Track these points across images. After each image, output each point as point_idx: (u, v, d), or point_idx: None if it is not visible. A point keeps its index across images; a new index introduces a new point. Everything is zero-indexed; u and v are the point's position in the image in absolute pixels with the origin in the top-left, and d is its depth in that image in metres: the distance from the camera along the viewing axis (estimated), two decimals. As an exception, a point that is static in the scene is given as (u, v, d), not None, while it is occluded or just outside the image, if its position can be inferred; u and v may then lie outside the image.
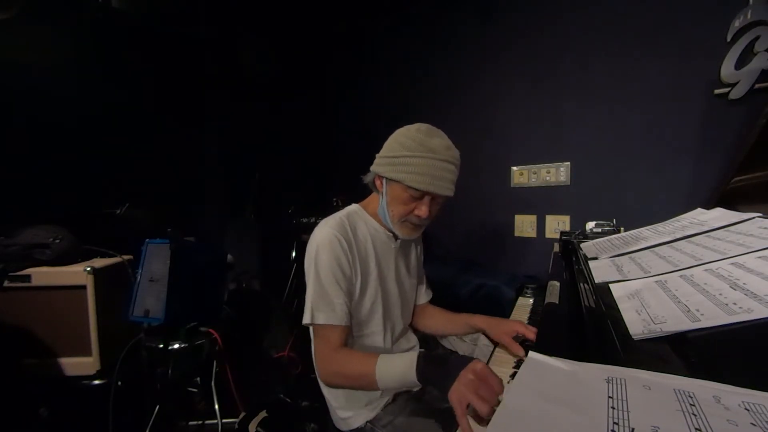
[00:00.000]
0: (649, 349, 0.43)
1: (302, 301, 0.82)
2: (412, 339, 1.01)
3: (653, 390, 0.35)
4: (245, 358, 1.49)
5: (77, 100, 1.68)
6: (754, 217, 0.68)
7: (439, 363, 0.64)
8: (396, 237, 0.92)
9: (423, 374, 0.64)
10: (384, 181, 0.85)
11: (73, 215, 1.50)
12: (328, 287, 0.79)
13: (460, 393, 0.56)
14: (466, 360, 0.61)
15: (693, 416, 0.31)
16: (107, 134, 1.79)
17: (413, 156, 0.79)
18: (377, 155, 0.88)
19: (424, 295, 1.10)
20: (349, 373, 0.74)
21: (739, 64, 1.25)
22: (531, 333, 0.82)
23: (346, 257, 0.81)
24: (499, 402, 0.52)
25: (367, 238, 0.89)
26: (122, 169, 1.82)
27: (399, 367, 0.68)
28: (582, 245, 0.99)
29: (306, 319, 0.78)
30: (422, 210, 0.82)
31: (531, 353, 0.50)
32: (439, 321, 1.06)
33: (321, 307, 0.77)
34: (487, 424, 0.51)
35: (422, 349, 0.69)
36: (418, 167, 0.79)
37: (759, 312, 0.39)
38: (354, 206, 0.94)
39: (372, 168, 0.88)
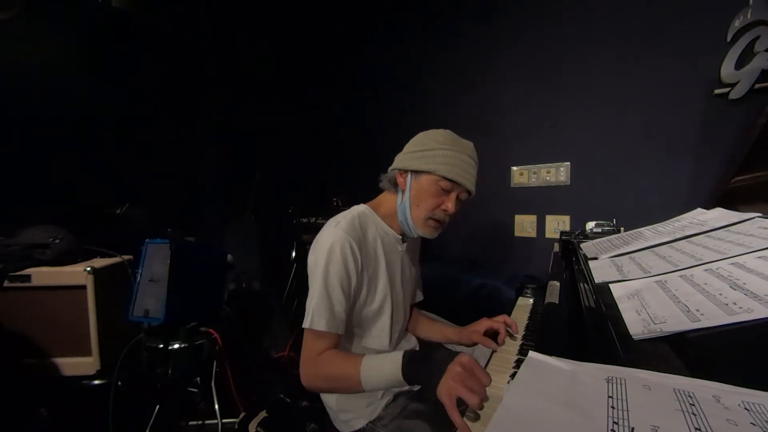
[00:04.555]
0: (649, 349, 0.43)
1: (303, 301, 0.81)
2: (412, 340, 1.01)
3: (653, 390, 0.35)
4: (245, 358, 1.49)
5: (77, 100, 1.67)
6: (754, 217, 0.68)
7: (424, 361, 0.65)
8: (404, 239, 0.92)
9: (409, 374, 0.65)
10: (409, 175, 0.85)
11: (73, 215, 1.50)
12: (333, 293, 0.77)
13: (448, 387, 0.57)
14: (453, 354, 0.62)
15: (693, 416, 0.31)
16: (107, 134, 1.79)
17: (444, 148, 0.81)
18: (399, 154, 0.89)
19: (416, 297, 1.09)
20: (333, 374, 0.73)
21: (739, 64, 1.25)
22: (497, 324, 0.84)
23: (355, 263, 0.79)
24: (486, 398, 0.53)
25: (377, 240, 0.87)
26: (122, 169, 1.82)
27: (385, 367, 0.67)
28: (582, 245, 0.99)
29: (306, 323, 0.77)
30: (450, 204, 0.82)
31: (531, 353, 0.50)
32: (419, 325, 1.06)
33: (323, 312, 0.75)
34: (476, 416, 0.52)
35: (407, 349, 0.69)
36: (451, 158, 0.80)
37: (759, 312, 0.39)
38: (363, 207, 0.92)
39: (395, 165, 0.88)
